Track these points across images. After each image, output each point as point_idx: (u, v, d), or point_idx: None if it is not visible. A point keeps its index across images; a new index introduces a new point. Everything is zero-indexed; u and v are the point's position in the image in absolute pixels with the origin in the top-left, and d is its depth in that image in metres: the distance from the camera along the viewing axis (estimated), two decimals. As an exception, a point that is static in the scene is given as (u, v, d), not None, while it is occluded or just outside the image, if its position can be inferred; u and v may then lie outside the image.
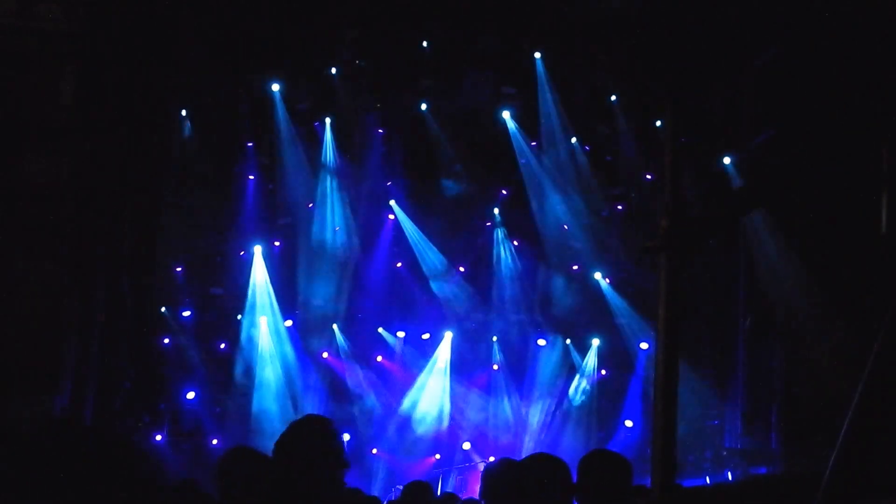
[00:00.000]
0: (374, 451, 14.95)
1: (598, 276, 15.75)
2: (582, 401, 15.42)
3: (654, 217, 14.42)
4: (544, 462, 3.56)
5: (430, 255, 15.76)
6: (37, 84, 11.85)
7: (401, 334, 15.62)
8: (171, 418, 14.80)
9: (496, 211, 15.90)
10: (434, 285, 15.74)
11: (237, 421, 14.85)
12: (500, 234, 15.98)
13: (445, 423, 15.26)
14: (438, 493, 10.36)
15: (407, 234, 15.82)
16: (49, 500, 2.76)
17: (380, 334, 15.57)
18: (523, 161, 16.04)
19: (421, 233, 15.76)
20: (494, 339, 15.58)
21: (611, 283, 15.80)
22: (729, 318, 14.56)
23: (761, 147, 13.32)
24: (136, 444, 12.39)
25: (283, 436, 3.85)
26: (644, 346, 15.24)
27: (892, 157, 2.15)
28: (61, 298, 11.79)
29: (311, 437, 3.79)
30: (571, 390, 15.48)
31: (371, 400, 15.34)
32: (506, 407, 15.50)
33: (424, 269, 15.74)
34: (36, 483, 2.74)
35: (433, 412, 15.32)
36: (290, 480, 3.71)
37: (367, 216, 15.90)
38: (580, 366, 15.66)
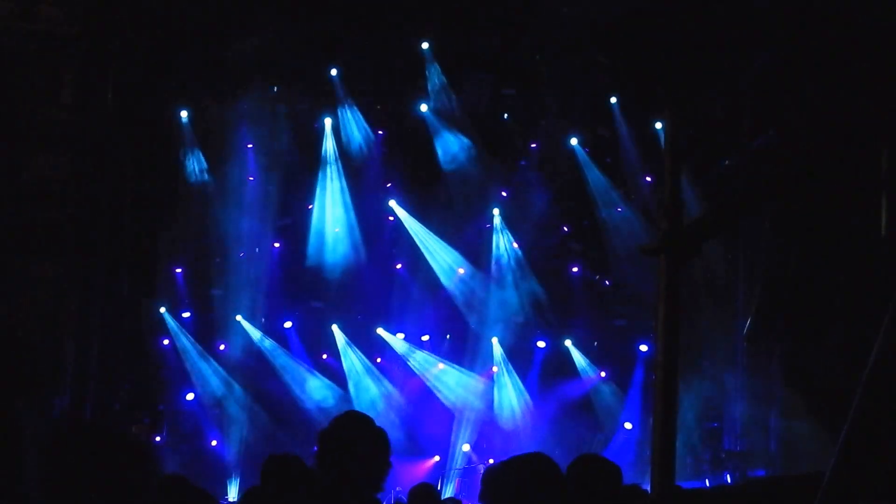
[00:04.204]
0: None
1: (597, 277, 15.72)
2: None
3: (653, 219, 14.41)
4: (537, 460, 3.55)
5: (429, 256, 15.73)
6: (37, 84, 11.85)
7: (401, 335, 15.60)
8: (170, 419, 14.79)
9: (496, 212, 15.87)
10: (433, 286, 15.71)
11: (236, 422, 14.82)
12: (499, 234, 15.96)
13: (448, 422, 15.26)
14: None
15: (407, 234, 15.80)
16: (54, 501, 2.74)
17: (380, 335, 15.54)
18: (523, 163, 16.04)
19: (421, 233, 15.75)
20: (494, 340, 15.56)
21: (610, 285, 15.78)
22: (729, 319, 14.52)
23: (761, 149, 13.29)
24: (140, 443, 12.36)
25: (330, 430, 3.65)
26: (643, 347, 15.23)
27: (892, 157, 2.15)
28: (61, 298, 11.78)
29: (359, 432, 3.61)
30: None
31: (370, 401, 15.31)
32: (506, 409, 15.48)
33: (424, 270, 15.71)
34: (42, 484, 2.72)
35: (435, 413, 15.33)
36: (336, 477, 3.54)
37: (367, 217, 15.88)
38: (580, 367, 15.65)
